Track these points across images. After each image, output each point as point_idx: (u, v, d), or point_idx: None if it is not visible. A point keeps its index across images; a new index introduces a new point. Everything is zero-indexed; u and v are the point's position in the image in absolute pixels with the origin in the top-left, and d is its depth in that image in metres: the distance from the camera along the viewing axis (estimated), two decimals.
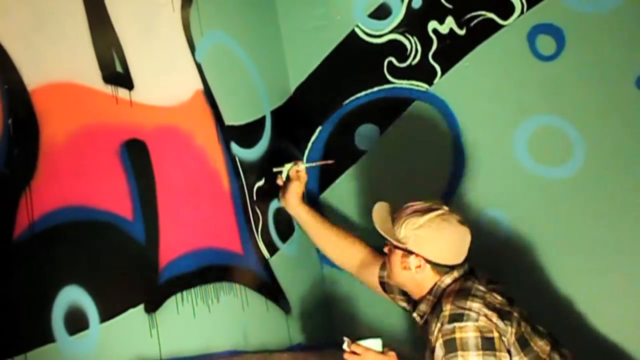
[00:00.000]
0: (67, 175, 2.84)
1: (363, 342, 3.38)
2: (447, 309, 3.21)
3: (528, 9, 3.98)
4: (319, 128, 4.38)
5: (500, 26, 4.03)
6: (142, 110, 3.29)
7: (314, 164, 4.12)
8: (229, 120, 3.84)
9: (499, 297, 3.26)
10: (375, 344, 3.39)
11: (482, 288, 3.28)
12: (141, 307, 3.05)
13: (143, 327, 3.04)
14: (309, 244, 4.24)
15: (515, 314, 3.23)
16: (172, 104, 3.50)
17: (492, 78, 4.04)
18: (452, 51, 4.12)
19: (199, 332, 3.32)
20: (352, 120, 4.33)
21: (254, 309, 3.68)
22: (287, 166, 3.96)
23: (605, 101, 3.69)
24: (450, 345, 3.14)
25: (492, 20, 4.04)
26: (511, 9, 4.01)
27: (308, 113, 4.40)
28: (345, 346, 3.40)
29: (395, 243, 3.43)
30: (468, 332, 3.13)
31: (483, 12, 4.07)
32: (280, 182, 3.98)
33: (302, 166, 3.96)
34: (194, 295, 3.32)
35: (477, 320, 3.14)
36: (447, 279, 3.38)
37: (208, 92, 3.74)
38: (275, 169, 3.98)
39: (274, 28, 4.51)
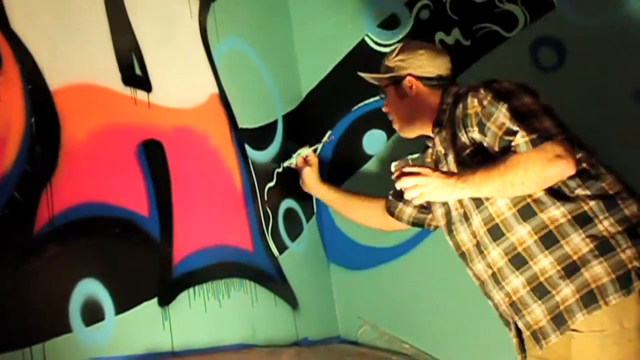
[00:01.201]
0: (87, 172, 2.83)
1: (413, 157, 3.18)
2: (473, 87, 3.16)
3: (531, 22, 3.99)
4: (329, 132, 4.37)
5: (505, 38, 4.03)
6: (160, 111, 3.29)
7: (318, 146, 4.11)
8: (242, 123, 3.84)
9: None
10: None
11: None
12: (155, 300, 3.04)
13: (156, 319, 3.03)
14: (317, 243, 4.27)
15: None
16: (189, 106, 3.50)
17: None
18: (458, 61, 4.09)
19: (210, 326, 3.31)
20: (360, 125, 4.33)
21: (262, 305, 3.67)
22: (294, 156, 4.00)
23: (603, 113, 3.67)
24: (495, 96, 3.04)
25: (496, 32, 4.04)
26: (515, 22, 4.02)
27: (318, 118, 4.39)
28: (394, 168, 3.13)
29: (383, 77, 3.49)
30: (504, 82, 3.10)
31: (488, 24, 4.07)
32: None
33: (306, 151, 3.99)
34: (206, 290, 3.32)
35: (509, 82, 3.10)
36: (448, 98, 3.31)
37: (223, 96, 3.75)
38: (284, 164, 4.02)
39: (287, 35, 4.52)
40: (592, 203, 2.95)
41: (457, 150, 3.17)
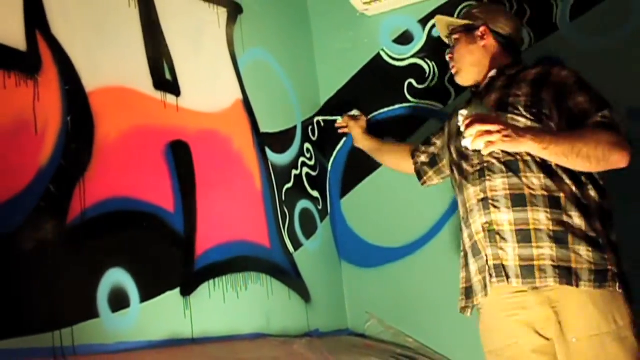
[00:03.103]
0: (118, 169, 2.83)
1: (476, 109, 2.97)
2: (538, 66, 3.27)
3: (535, 42, 3.99)
4: (344, 139, 4.38)
5: None
6: (187, 115, 3.28)
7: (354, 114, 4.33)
8: (264, 128, 3.84)
9: None
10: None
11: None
12: (177, 290, 3.03)
13: (178, 308, 3.03)
14: (329, 241, 4.27)
15: None
16: (214, 110, 3.49)
17: None
18: None
19: (228, 316, 3.30)
20: (374, 133, 4.29)
21: (277, 297, 3.66)
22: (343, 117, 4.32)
23: None
24: (582, 82, 3.14)
25: None
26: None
27: (335, 125, 4.38)
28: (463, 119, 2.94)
29: (460, 22, 3.48)
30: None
31: None
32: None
33: (350, 114, 4.31)
34: (225, 282, 3.31)
35: None
36: (509, 60, 3.38)
37: (247, 102, 3.74)
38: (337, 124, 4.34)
39: (308, 48, 4.51)
40: (600, 214, 3.04)
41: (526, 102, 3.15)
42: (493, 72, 3.35)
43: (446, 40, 3.65)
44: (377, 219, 4.29)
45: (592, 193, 3.04)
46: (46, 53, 2.62)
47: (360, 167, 4.36)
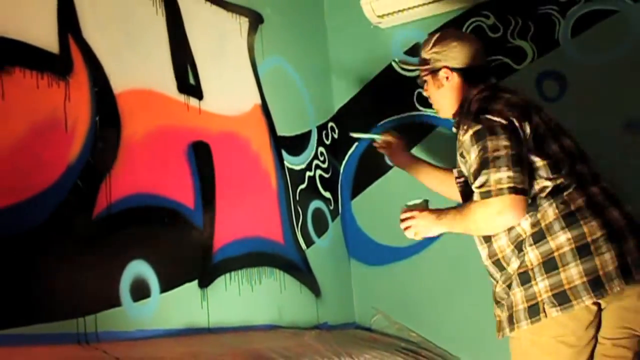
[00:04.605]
0: (142, 167, 2.83)
1: (411, 203, 3.21)
2: (474, 107, 2.99)
3: (538, 57, 3.97)
4: (356, 144, 4.36)
5: (514, 70, 4.01)
6: (209, 117, 3.28)
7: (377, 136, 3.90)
8: (280, 131, 3.83)
9: (524, 99, 3.04)
10: (419, 201, 3.19)
11: (507, 94, 3.02)
12: (195, 282, 3.04)
13: (196, 299, 3.03)
14: (340, 239, 4.27)
15: (539, 116, 2.98)
16: (234, 114, 3.49)
17: None
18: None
19: (242, 307, 3.30)
20: None
21: (289, 291, 3.65)
22: (376, 137, 3.86)
23: (597, 140, 3.62)
24: (480, 136, 2.87)
25: (507, 64, 4.01)
26: (524, 56, 4.00)
27: (347, 130, 4.37)
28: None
29: (422, 69, 3.28)
30: (493, 122, 2.86)
31: (500, 57, 4.04)
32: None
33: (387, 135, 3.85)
34: (241, 276, 3.30)
35: (500, 113, 2.88)
36: (475, 90, 3.11)
37: (265, 107, 3.73)
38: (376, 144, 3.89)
39: (324, 57, 4.49)
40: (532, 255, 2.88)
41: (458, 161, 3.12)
42: (457, 108, 3.23)
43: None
44: (386, 220, 4.25)
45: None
46: (77, 56, 2.62)
47: (370, 170, 4.34)
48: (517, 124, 2.87)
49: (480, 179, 2.83)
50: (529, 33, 3.99)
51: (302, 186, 3.95)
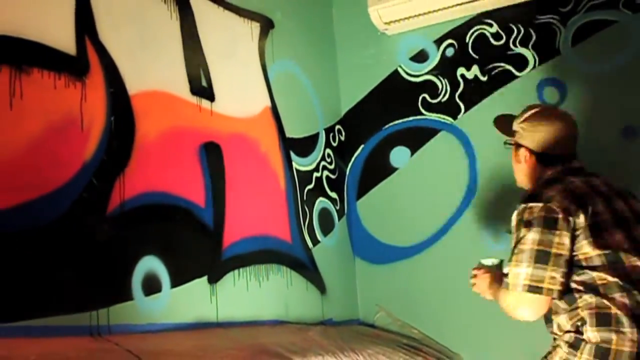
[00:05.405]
0: (155, 166, 2.82)
1: (484, 261, 3.18)
2: (533, 189, 2.88)
3: (539, 64, 3.98)
4: (362, 146, 4.37)
5: (516, 76, 4.02)
6: (220, 119, 3.27)
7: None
8: (289, 133, 3.82)
9: (587, 185, 2.83)
10: (492, 262, 3.15)
11: (573, 178, 2.85)
12: (205, 278, 3.03)
13: (205, 294, 3.02)
14: (345, 239, 4.27)
15: (598, 203, 2.76)
16: (245, 116, 3.48)
17: None
18: (475, 93, 4.10)
19: (250, 303, 3.29)
20: (389, 142, 4.31)
21: (296, 288, 3.64)
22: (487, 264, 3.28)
23: (596, 146, 3.62)
24: (519, 224, 2.75)
25: (509, 71, 4.02)
26: (525, 64, 4.01)
27: (354, 133, 4.38)
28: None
29: (509, 140, 3.14)
30: (534, 212, 2.72)
31: (503, 64, 4.06)
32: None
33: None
34: (249, 272, 3.30)
35: (548, 201, 2.72)
36: (549, 172, 2.94)
37: (274, 109, 3.73)
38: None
39: (332, 62, 4.49)
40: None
41: None
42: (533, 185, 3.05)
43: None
44: (390, 220, 4.28)
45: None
46: (94, 58, 2.61)
47: (375, 172, 4.35)
48: (562, 214, 2.70)
49: (509, 270, 2.77)
50: (530, 41, 3.99)
51: (310, 186, 3.94)
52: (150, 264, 2.72)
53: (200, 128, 3.14)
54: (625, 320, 2.56)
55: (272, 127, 3.70)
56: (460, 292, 3.95)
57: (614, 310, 2.59)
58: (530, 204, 2.75)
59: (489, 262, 3.16)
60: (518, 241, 2.73)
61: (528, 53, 3.98)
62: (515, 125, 3.09)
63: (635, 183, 3.62)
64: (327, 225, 4.08)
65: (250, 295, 3.30)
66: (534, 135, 3.00)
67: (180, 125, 3.02)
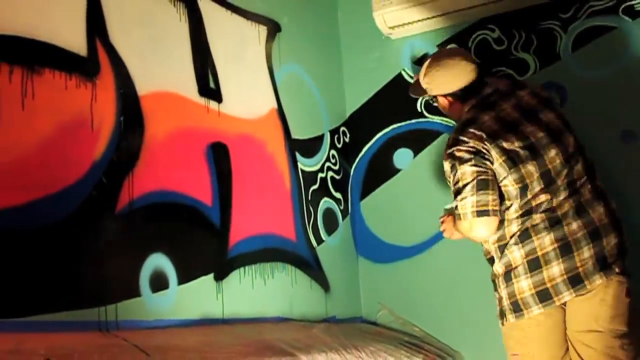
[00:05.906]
0: (163, 165, 2.82)
1: (446, 207, 3.39)
2: (450, 137, 3.19)
3: (540, 69, 3.96)
4: (366, 147, 4.36)
5: None
6: (227, 120, 3.27)
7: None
8: (295, 134, 3.82)
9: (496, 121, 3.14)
10: (451, 205, 3.26)
11: (485, 116, 3.16)
12: (211, 275, 3.03)
13: (211, 291, 3.02)
14: (349, 238, 4.27)
15: (511, 136, 3.10)
16: (252, 117, 3.48)
17: None
18: None
19: (255, 300, 3.29)
20: (392, 143, 4.30)
21: (300, 286, 3.64)
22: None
23: (595, 149, 3.60)
24: (451, 168, 3.12)
25: (510, 75, 4.00)
26: (526, 68, 3.99)
27: (358, 135, 4.38)
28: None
29: (426, 97, 3.59)
30: (462, 151, 3.08)
31: (504, 69, 4.04)
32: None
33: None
34: (254, 270, 3.30)
35: (467, 142, 3.08)
36: (466, 108, 3.28)
37: (281, 111, 3.72)
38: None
39: (337, 65, 4.49)
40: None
41: None
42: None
43: None
44: (392, 220, 4.27)
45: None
46: (104, 59, 2.62)
47: (379, 173, 4.34)
48: (483, 150, 3.07)
49: (456, 204, 3.09)
50: (532, 46, 3.98)
51: (314, 187, 3.94)
52: (158, 262, 2.72)
53: (207, 129, 3.14)
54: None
55: (278, 128, 3.69)
56: (461, 291, 3.99)
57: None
58: (454, 151, 3.10)
59: (450, 206, 3.31)
60: (456, 180, 3.08)
61: (529, 58, 3.97)
62: (423, 84, 3.41)
63: (634, 187, 3.63)
64: (331, 225, 4.07)
65: (256, 292, 3.29)
66: (437, 82, 3.35)
67: (189, 125, 3.02)
